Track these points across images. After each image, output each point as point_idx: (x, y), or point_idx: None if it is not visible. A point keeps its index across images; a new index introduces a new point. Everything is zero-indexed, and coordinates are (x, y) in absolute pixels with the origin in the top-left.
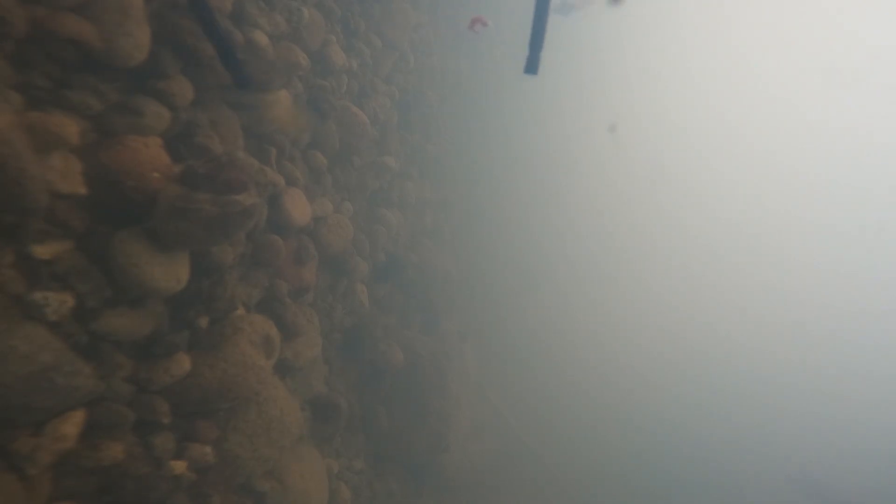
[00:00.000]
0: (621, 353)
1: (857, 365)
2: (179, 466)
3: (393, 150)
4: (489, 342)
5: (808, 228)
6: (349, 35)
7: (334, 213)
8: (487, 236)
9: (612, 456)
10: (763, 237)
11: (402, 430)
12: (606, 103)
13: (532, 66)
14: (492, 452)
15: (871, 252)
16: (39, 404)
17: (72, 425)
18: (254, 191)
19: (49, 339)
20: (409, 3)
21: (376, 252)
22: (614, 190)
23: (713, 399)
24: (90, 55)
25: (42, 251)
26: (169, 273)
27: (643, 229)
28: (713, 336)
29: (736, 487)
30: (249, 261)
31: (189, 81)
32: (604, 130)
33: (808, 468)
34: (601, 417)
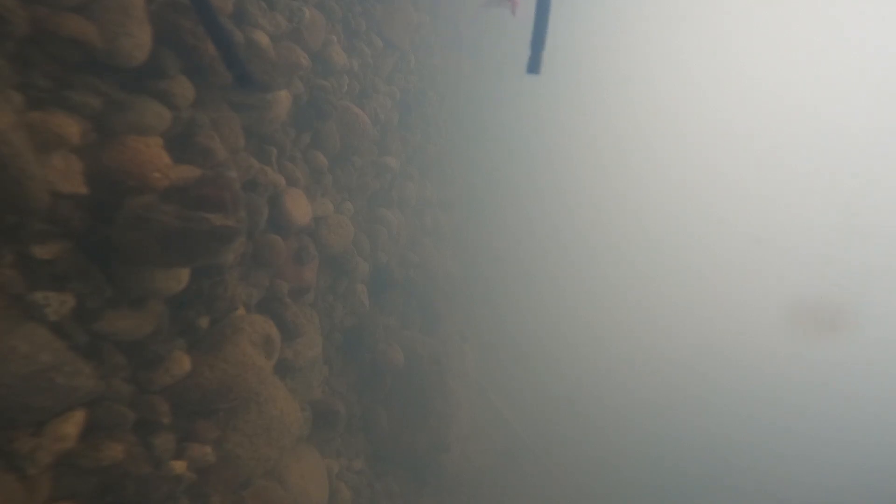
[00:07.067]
0: (623, 352)
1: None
2: (179, 466)
3: (394, 151)
4: (490, 342)
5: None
6: (350, 35)
7: (335, 214)
8: (488, 236)
9: (614, 455)
10: (762, 234)
11: (402, 430)
12: (605, 103)
13: (534, 66)
14: (492, 452)
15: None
16: (39, 404)
17: (72, 425)
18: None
19: (49, 339)
20: (410, 3)
21: (377, 252)
22: (614, 189)
23: (721, 398)
24: (91, 55)
25: (42, 251)
26: (169, 273)
27: (644, 228)
28: (721, 334)
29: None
30: (250, 261)
31: (190, 81)
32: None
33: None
34: (602, 416)
